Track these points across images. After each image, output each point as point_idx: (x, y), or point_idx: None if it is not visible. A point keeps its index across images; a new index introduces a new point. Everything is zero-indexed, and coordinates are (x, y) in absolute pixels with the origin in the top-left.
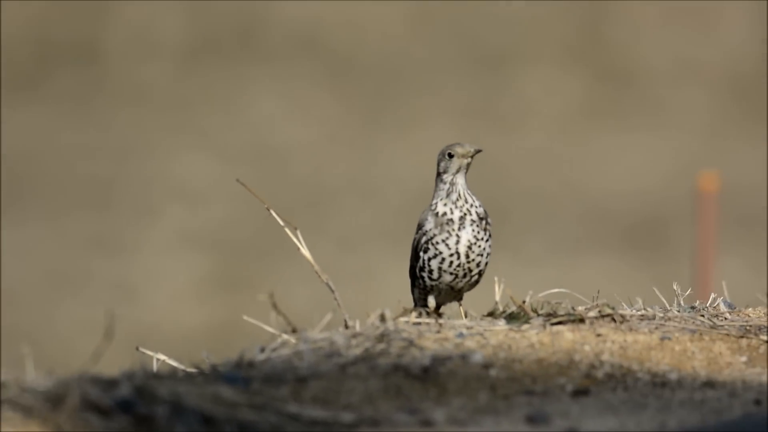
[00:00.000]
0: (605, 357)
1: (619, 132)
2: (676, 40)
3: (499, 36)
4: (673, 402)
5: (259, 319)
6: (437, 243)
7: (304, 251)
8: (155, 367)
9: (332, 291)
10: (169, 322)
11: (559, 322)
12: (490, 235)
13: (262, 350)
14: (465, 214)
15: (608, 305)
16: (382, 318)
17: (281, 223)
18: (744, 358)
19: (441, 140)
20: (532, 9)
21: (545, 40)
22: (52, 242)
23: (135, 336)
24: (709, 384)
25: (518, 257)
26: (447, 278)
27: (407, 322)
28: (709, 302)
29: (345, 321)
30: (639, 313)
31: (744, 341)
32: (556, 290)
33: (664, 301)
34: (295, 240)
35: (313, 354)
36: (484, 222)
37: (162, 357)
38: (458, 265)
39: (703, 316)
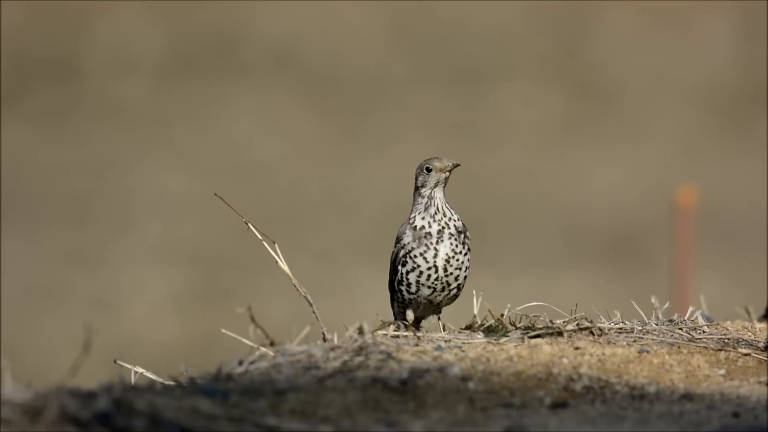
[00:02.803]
0: (583, 370)
1: (597, 147)
2: (654, 55)
3: (477, 51)
4: (651, 415)
5: (237, 332)
6: (415, 256)
7: (283, 265)
8: (133, 379)
9: (310, 304)
10: (147, 335)
11: (538, 335)
12: (469, 249)
13: (241, 363)
14: (443, 228)
15: (586, 318)
16: (361, 331)
17: (259, 236)
18: (722, 371)
19: (419, 155)
20: (510, 24)
21: (523, 55)
22: (31, 257)
23: (113, 349)
24: (688, 397)
25: (496, 271)
26: (425, 292)
27: (385, 335)
28: (687, 315)
29: (323, 334)
30: (617, 326)
31: (722, 354)
32: (534, 303)
33: (643, 315)
34: (273, 254)
35: (292, 367)
36: (462, 235)
37: (140, 370)
38: (436, 279)
39: (681, 329)
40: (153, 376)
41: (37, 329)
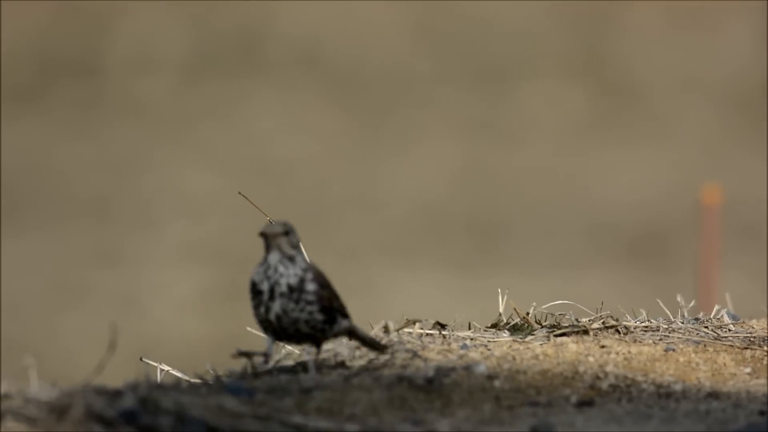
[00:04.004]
0: (609, 368)
1: (621, 145)
2: (678, 54)
3: (502, 50)
4: (677, 413)
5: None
6: (253, 308)
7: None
8: (159, 378)
9: None
10: (171, 334)
11: (563, 334)
12: (310, 302)
13: (266, 361)
14: (274, 285)
15: (612, 317)
16: (386, 329)
17: None
18: (748, 369)
19: (442, 153)
20: (535, 23)
21: (547, 54)
22: (53, 255)
23: (138, 348)
24: (714, 395)
25: (521, 270)
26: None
27: (411, 333)
28: (713, 314)
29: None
30: (643, 324)
31: (748, 352)
32: (559, 302)
33: (668, 313)
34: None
35: (318, 365)
36: (297, 293)
37: (166, 368)
38: (274, 330)
39: (707, 327)
40: (179, 374)
41: (60, 327)
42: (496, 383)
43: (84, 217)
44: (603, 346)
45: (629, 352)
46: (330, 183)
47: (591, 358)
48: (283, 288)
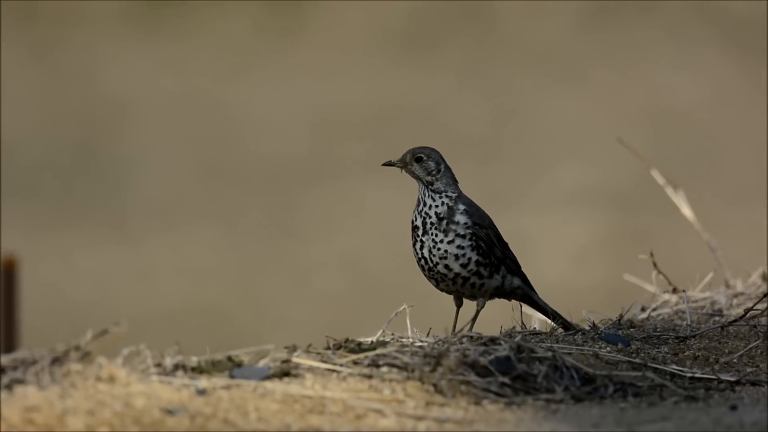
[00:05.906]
0: None
1: None
2: None
3: None
4: None
5: (640, 278)
6: (414, 249)
7: (685, 211)
8: (535, 326)
9: (713, 251)
10: (557, 280)
11: None
12: (461, 236)
13: (643, 309)
14: (425, 218)
15: None
16: (764, 277)
17: (661, 182)
18: None
19: None
20: None
21: None
22: None
23: None
24: None
25: None
26: (432, 282)
27: None
28: None
29: (726, 281)
30: None
31: None
32: None
33: None
34: (674, 199)
35: (694, 313)
36: (444, 222)
37: (540, 316)
38: (429, 269)
39: None
40: (552, 323)
41: None
42: None
43: (470, 159)
44: None
45: None
46: (722, 130)
47: None
48: (434, 218)
